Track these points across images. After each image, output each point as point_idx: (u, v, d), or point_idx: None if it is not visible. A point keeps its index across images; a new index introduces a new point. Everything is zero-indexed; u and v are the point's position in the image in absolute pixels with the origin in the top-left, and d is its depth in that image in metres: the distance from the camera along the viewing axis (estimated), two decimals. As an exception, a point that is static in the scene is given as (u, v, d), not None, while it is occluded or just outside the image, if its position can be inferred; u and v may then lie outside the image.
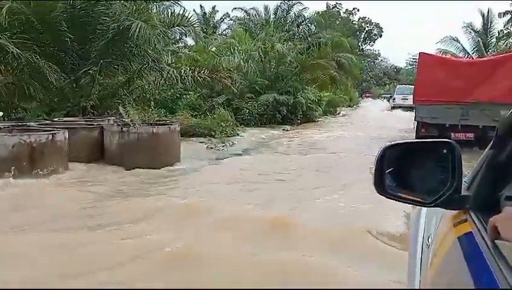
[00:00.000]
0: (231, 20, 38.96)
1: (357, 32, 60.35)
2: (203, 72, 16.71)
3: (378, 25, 61.91)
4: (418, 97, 13.21)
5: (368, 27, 61.82)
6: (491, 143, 1.50)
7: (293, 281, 3.89)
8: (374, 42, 64.44)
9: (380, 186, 1.52)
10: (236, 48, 20.21)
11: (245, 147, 12.84)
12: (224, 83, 17.50)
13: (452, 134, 11.59)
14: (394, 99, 36.49)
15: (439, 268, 1.48)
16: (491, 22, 38.65)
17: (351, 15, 58.64)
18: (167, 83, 16.79)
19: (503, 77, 11.66)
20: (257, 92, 20.30)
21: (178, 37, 40.22)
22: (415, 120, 13.26)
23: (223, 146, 11.97)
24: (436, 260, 1.55)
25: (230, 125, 14.75)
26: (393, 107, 34.71)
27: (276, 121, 19.87)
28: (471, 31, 37.94)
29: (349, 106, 42.64)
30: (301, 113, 20.62)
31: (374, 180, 1.52)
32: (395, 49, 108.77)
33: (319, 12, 45.91)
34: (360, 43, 61.82)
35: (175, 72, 16.34)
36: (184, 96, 20.06)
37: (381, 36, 63.17)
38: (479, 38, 37.23)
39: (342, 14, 57.27)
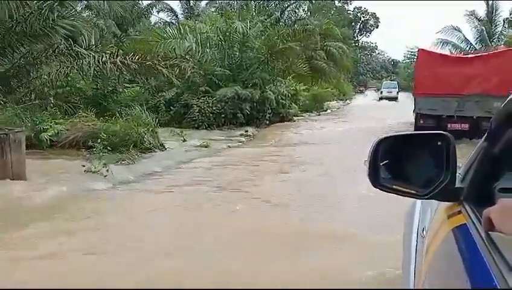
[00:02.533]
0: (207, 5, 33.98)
1: (352, 23, 55.10)
2: (130, 59, 11.91)
3: (374, 15, 56.58)
4: (417, 91, 13.52)
5: (363, 17, 56.46)
6: (485, 135, 1.43)
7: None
8: (370, 33, 59.17)
9: (375, 178, 1.45)
10: (188, 30, 15.21)
11: (147, 172, 7.89)
12: (161, 73, 12.68)
13: (448, 125, 11.75)
14: (381, 92, 41.51)
15: (434, 259, 1.44)
16: (495, 10, 34.03)
17: (346, 4, 53.17)
18: (81, 73, 12.02)
19: (495, 71, 11.91)
20: (215, 85, 15.39)
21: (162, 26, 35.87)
22: (413, 112, 13.49)
23: (107, 169, 7.15)
24: (430, 251, 1.52)
25: (150, 131, 9.84)
26: (380, 98, 39.41)
27: (238, 121, 14.95)
28: (474, 19, 33.36)
29: (341, 100, 37.66)
30: (270, 111, 15.64)
31: (368, 173, 1.44)
32: (393, 42, 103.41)
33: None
34: (355, 34, 56.61)
35: (90, 57, 11.60)
36: (123, 89, 15.22)
37: (377, 27, 57.88)
38: (483, 27, 32.60)
39: (336, 3, 51.88)
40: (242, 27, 15.07)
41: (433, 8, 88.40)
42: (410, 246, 1.94)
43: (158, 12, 36.17)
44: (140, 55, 12.23)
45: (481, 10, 33.68)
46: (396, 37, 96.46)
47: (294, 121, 17.60)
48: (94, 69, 11.72)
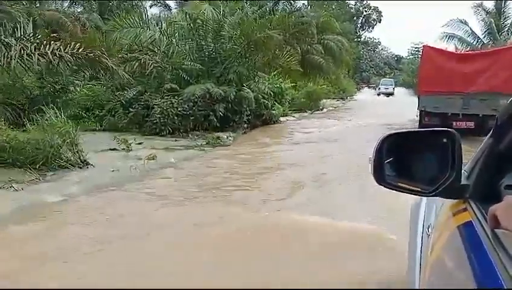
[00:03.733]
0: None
1: (354, 18, 52.25)
2: (65, 50, 9.44)
3: (377, 9, 53.53)
4: (422, 88, 13.01)
5: (365, 11, 53.47)
6: (490, 132, 1.38)
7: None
8: (372, 28, 56.10)
9: (379, 176, 1.40)
10: (152, 17, 12.62)
11: (32, 204, 5.31)
12: (107, 67, 10.15)
13: (454, 123, 11.37)
14: (379, 88, 44.95)
15: (439, 257, 1.42)
16: (505, 1, 31.33)
17: (348, -2, 50.21)
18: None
19: (502, 68, 11.58)
20: (184, 82, 12.84)
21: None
22: (418, 109, 13.09)
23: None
24: (436, 248, 1.49)
25: (68, 144, 7.27)
26: (378, 94, 42.76)
27: (211, 125, 12.37)
28: (482, 11, 30.80)
29: (342, 98, 34.92)
30: (249, 112, 12.98)
31: (373, 170, 1.39)
32: (397, 38, 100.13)
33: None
34: (357, 29, 53.73)
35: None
36: (75, 88, 12.70)
37: (380, 21, 54.85)
38: (492, 20, 30.02)
39: (337, -3, 48.87)
40: (212, 11, 12.43)
41: (438, 4, 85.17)
42: (416, 243, 1.91)
43: (151, 7, 33.74)
44: (79, 46, 9.76)
45: (489, 2, 31.16)
46: (399, 32, 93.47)
47: (280, 123, 14.94)
48: (19, 61, 9.30)
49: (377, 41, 64.73)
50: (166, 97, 11.96)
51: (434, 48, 14.39)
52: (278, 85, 14.52)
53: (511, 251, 0.94)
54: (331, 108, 24.55)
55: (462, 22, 29.75)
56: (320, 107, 22.92)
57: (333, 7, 44.41)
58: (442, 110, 12.06)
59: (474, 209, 1.27)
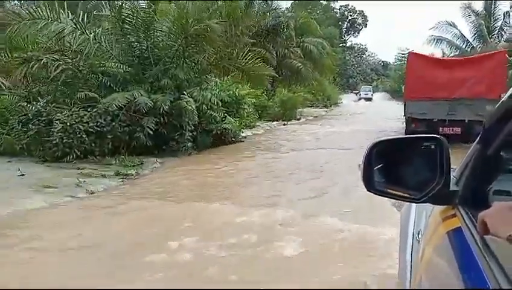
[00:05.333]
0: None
1: (339, 22, 49.40)
2: None
3: (362, 13, 50.69)
4: (408, 94, 12.82)
5: (351, 16, 50.59)
6: (478, 137, 1.35)
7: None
8: (358, 33, 53.24)
9: (369, 182, 1.38)
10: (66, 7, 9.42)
11: None
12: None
13: (440, 128, 11.24)
14: (360, 94, 46.28)
15: (429, 263, 1.40)
16: (495, 3, 28.85)
17: (332, 2, 47.31)
18: None
19: (486, 74, 11.46)
20: (107, 89, 9.63)
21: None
22: (404, 116, 13.00)
23: None
24: (426, 254, 1.47)
25: None
26: (359, 99, 44.17)
27: (140, 147, 9.15)
28: (471, 13, 28.29)
29: (325, 106, 31.84)
30: (192, 128, 9.73)
31: (362, 177, 1.37)
32: (384, 44, 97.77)
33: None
34: (342, 34, 50.88)
35: None
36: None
37: (366, 26, 52.08)
38: (482, 21, 27.50)
39: (322, 2, 45.98)
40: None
41: (427, 4, 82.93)
42: (406, 249, 1.89)
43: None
44: None
45: (479, 3, 28.67)
46: (387, 38, 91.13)
47: (241, 141, 11.65)
48: None
49: (363, 47, 62.14)
50: (74, 109, 8.74)
51: (419, 54, 13.97)
52: (232, 92, 11.29)
53: (499, 257, 0.93)
54: (310, 117, 21.38)
55: (450, 25, 27.65)
56: (297, 117, 19.77)
57: (318, 12, 41.61)
58: (429, 116, 11.80)
59: (463, 215, 1.25)
